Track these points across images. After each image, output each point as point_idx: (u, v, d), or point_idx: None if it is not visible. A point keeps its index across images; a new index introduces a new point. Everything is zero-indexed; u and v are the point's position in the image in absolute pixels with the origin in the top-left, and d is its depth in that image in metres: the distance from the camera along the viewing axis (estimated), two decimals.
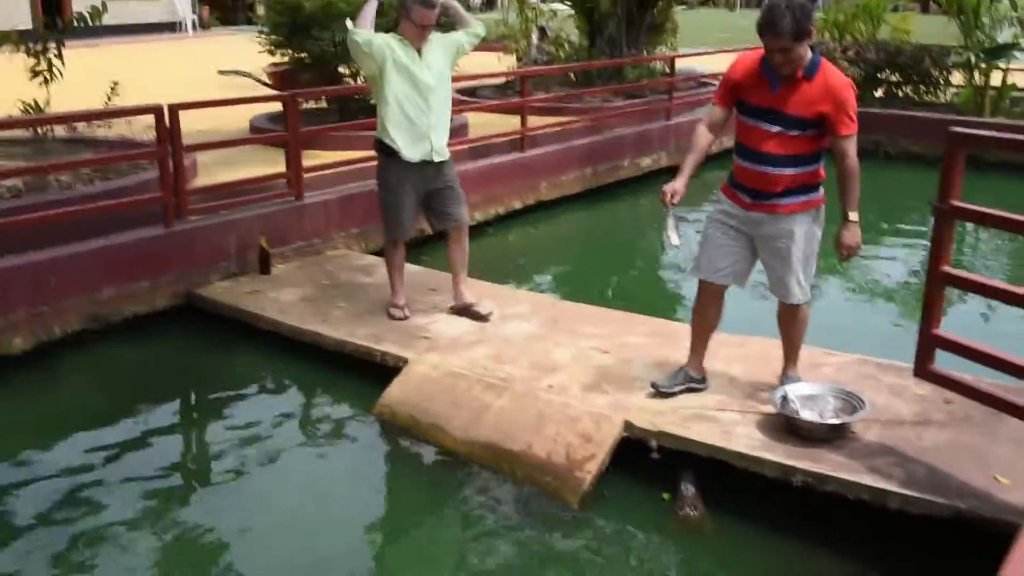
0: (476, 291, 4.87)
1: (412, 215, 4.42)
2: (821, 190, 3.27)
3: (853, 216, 3.05)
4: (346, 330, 4.47)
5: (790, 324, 3.43)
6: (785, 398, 3.39)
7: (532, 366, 4.01)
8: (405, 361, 4.12)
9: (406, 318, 4.46)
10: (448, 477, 3.46)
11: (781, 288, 3.31)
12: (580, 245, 7.33)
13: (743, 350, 4.07)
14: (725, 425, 3.39)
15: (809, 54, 2.90)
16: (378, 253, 6.29)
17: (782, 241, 3.24)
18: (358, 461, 3.64)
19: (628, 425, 3.44)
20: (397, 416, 3.85)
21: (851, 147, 2.99)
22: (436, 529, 3.16)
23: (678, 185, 3.19)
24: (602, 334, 4.37)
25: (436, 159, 4.34)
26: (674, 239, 3.23)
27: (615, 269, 6.55)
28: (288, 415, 4.07)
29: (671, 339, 4.15)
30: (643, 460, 3.39)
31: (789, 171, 3.13)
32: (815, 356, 3.99)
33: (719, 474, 3.26)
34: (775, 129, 3.06)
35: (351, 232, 6.08)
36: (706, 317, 3.45)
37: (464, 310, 4.58)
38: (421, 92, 4.22)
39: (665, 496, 3.28)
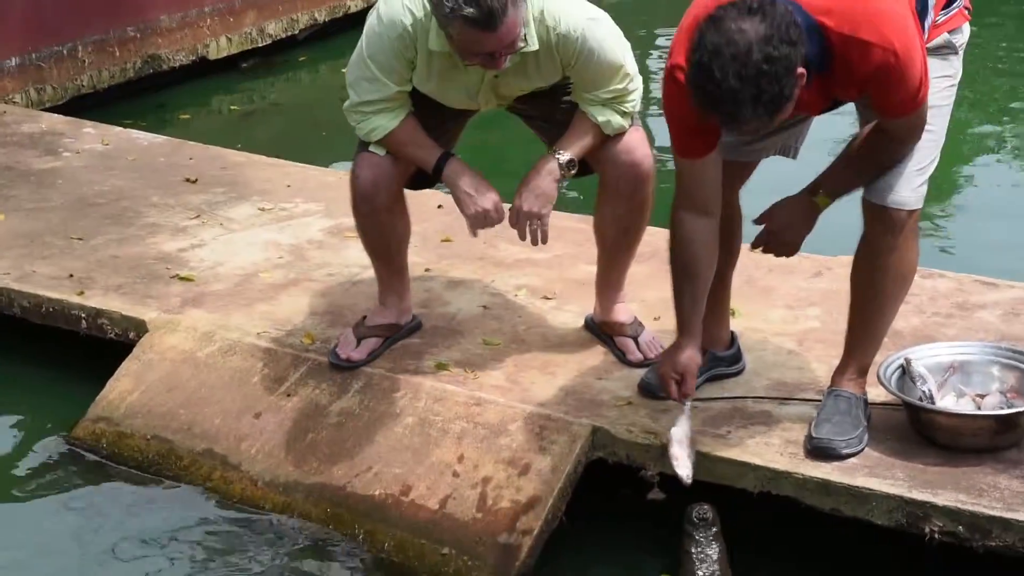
0: (264, 177, 5.04)
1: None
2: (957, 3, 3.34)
3: (822, 200, 3.30)
4: (10, 269, 4.49)
5: (882, 265, 3.35)
6: (907, 371, 3.46)
7: None
8: (142, 328, 4.14)
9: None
10: (239, 557, 3.49)
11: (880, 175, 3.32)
12: None
13: (823, 281, 4.15)
14: (787, 428, 3.44)
15: (802, 70, 2.98)
16: (62, 108, 6.20)
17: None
18: (54, 539, 3.63)
19: (601, 437, 3.49)
20: (127, 440, 3.89)
21: (902, 130, 3.18)
22: None
23: (687, 357, 3.32)
24: (541, 260, 4.44)
25: None
26: (684, 470, 3.25)
27: None
28: None
29: None
30: (628, 504, 3.44)
31: None
32: (965, 289, 4.14)
33: (759, 522, 3.34)
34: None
35: (5, 66, 6.13)
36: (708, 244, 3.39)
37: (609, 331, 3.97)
38: None
39: None
